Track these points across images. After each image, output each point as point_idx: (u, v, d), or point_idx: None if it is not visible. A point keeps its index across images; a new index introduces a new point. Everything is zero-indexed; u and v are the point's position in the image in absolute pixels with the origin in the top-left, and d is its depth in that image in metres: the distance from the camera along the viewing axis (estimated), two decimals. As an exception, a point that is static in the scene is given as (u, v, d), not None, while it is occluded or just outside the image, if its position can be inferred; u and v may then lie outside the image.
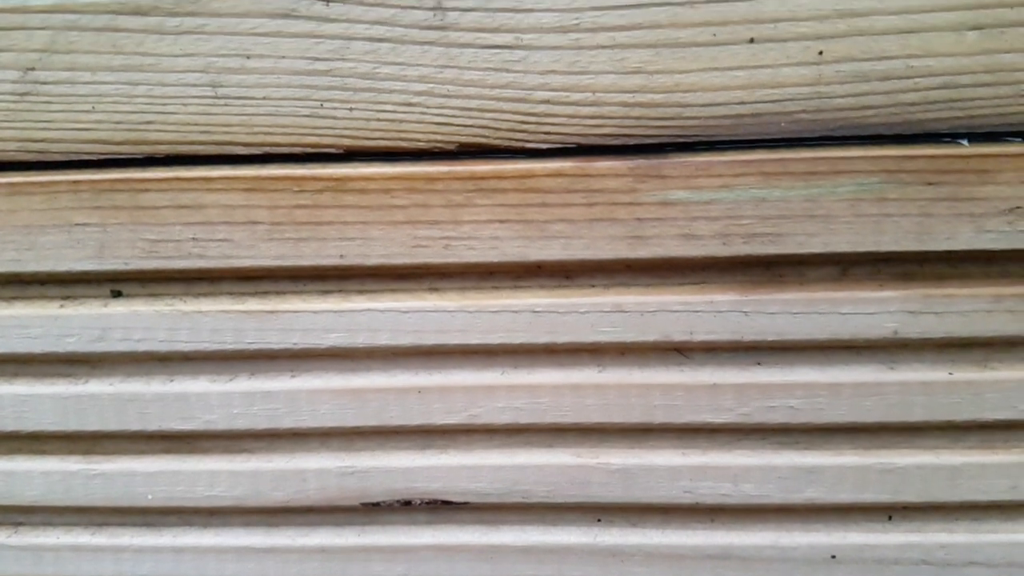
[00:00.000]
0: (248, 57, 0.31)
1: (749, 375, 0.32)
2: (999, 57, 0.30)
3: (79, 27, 0.32)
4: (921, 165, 0.30)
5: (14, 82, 0.32)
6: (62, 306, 0.33)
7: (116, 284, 0.34)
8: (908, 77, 0.30)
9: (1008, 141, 0.30)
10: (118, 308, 0.33)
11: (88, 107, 0.32)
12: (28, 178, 0.33)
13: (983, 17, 0.30)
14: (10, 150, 0.33)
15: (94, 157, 0.32)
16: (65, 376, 0.34)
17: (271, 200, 0.32)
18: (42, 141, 0.33)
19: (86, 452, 0.34)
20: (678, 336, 0.32)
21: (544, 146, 0.31)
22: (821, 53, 0.30)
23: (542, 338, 0.32)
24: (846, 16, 0.30)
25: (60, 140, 0.32)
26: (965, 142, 0.30)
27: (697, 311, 0.32)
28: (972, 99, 0.30)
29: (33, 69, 0.32)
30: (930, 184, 0.30)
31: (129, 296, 0.34)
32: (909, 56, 0.30)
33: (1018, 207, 0.30)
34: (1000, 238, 0.30)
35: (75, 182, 0.32)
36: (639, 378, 0.32)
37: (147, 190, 0.32)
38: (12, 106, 0.32)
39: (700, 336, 0.32)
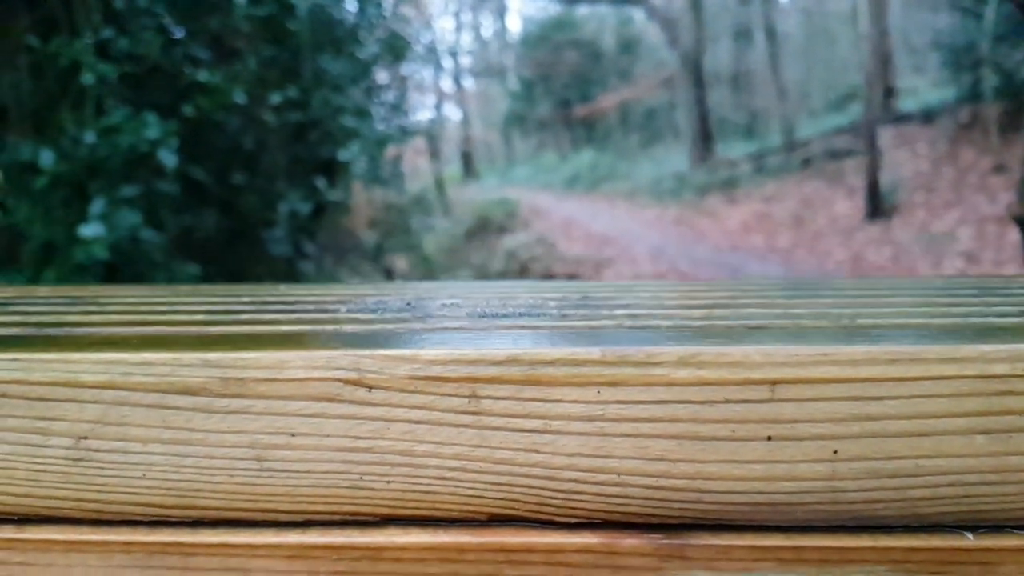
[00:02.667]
0: (293, 435, 0.33)
1: None
2: (1006, 459, 0.31)
3: (130, 403, 0.33)
4: (927, 556, 0.32)
5: (68, 448, 0.34)
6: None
7: (165, 628, 0.35)
8: (918, 475, 0.32)
9: (1011, 533, 0.32)
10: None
11: (139, 474, 0.34)
12: (83, 536, 0.34)
13: (991, 423, 0.31)
14: (66, 508, 0.35)
15: (145, 519, 0.34)
16: None
17: (311, 567, 0.34)
18: (96, 502, 0.34)
19: None
20: None
21: (571, 520, 0.33)
22: (836, 452, 0.32)
23: None
24: (861, 420, 0.32)
25: (113, 502, 0.34)
26: (970, 535, 0.32)
27: (715, 677, 0.34)
28: (978, 496, 0.32)
29: (86, 438, 0.34)
30: (935, 574, 0.32)
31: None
32: (919, 456, 0.32)
33: (1020, 595, 0.32)
34: (1002, 622, 0.32)
35: (127, 543, 0.34)
36: None
37: (196, 554, 0.34)
38: (67, 469, 0.34)
39: None
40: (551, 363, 0.32)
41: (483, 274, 9.07)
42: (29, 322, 0.42)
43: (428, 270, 8.25)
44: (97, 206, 4.21)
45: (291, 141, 6.09)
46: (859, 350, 0.32)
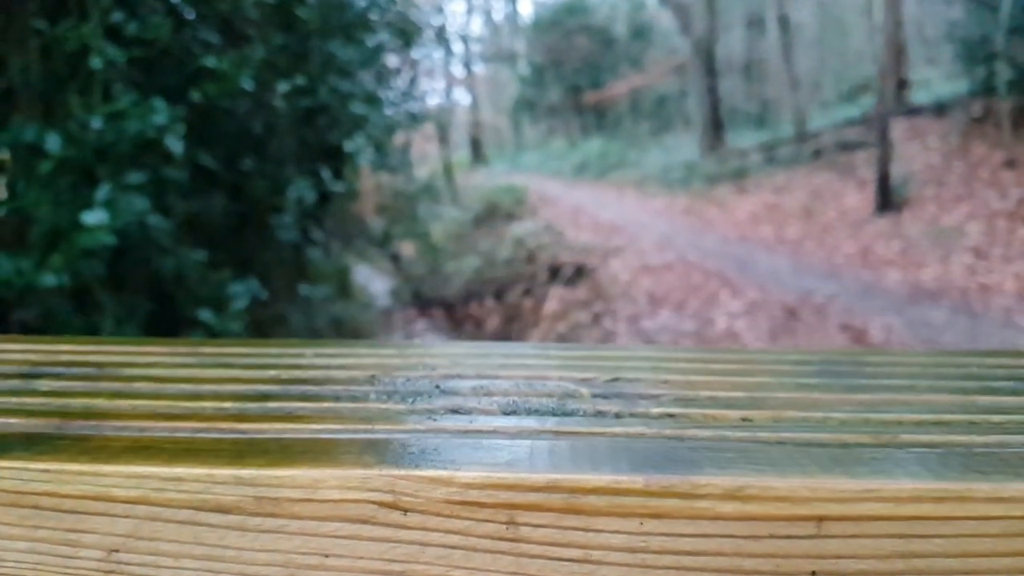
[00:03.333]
0: (327, 556, 0.33)
1: None
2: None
3: (162, 519, 0.33)
4: None
5: (99, 560, 0.34)
6: None
7: None
8: (963, 614, 0.31)
9: (1057, 675, 0.31)
10: None
11: (171, 588, 0.33)
12: (112, 647, 0.34)
13: (1039, 564, 0.31)
14: (96, 618, 0.34)
15: (176, 633, 0.34)
16: None
17: None
18: (126, 614, 0.34)
19: None
20: None
21: (609, 646, 0.33)
22: (880, 588, 0.31)
23: None
24: (906, 557, 0.31)
25: (143, 615, 0.34)
26: (1016, 676, 0.31)
27: None
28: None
29: (117, 551, 0.33)
30: None
31: None
32: (966, 595, 0.31)
33: None
34: None
35: (157, 657, 0.34)
36: None
37: (227, 671, 0.34)
38: (97, 582, 0.34)
39: None
40: (593, 491, 0.32)
41: (490, 261, 9.06)
42: (55, 408, 0.41)
43: (435, 259, 8.26)
44: (101, 192, 4.20)
45: (300, 125, 6.07)
46: (905, 487, 0.31)
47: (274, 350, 0.53)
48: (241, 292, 4.78)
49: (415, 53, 9.22)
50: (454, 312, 7.96)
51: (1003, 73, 9.64)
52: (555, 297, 7.46)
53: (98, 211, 4.15)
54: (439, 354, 0.54)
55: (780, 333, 6.22)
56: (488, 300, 8.00)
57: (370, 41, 6.94)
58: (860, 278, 7.36)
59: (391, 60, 7.93)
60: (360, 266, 7.75)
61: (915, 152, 9.95)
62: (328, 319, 6.28)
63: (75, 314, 4.33)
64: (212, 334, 4.62)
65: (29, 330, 4.18)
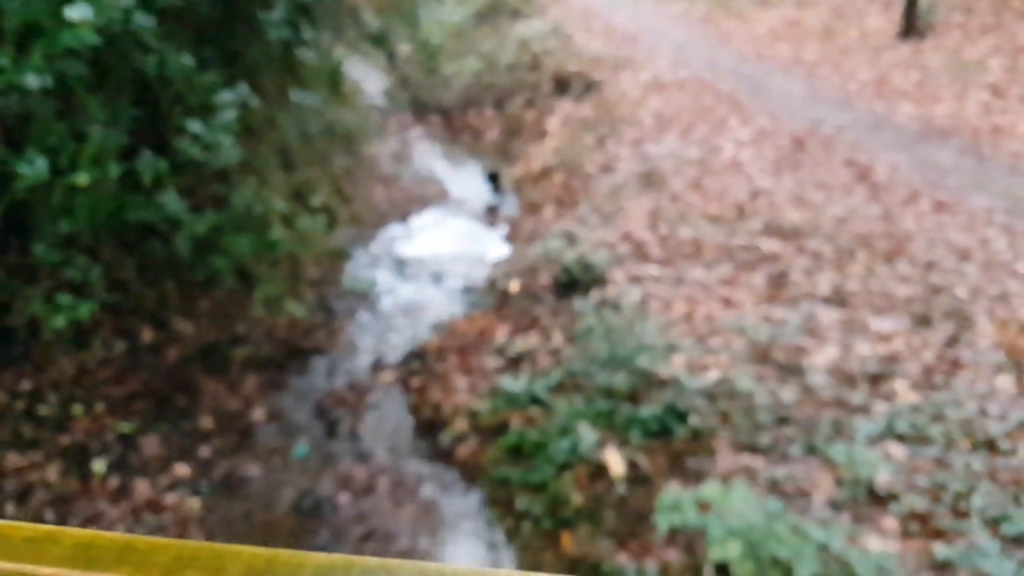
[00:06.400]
0: None
1: None
2: None
3: None
4: None
5: None
6: None
7: None
8: None
9: None
10: None
11: None
12: None
13: None
14: None
15: None
16: None
17: None
18: None
19: None
20: None
21: None
22: None
23: None
24: None
25: None
26: None
27: None
28: None
29: None
30: None
31: None
32: None
33: None
34: None
35: None
36: None
37: None
38: None
39: None
40: None
41: (491, 64, 8.61)
42: None
43: (433, 61, 7.82)
44: (83, -16, 3.85)
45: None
46: None
47: None
48: (230, 101, 4.52)
49: None
50: (452, 120, 7.65)
51: None
52: (559, 112, 7.15)
53: (81, 6, 3.82)
54: None
55: (784, 166, 6.08)
56: (488, 109, 7.67)
57: None
58: (872, 109, 7.11)
59: None
60: (353, 60, 7.34)
61: (950, -29, 9.31)
62: (321, 126, 6.02)
63: (58, 118, 4.10)
64: (203, 145, 4.44)
65: (8, 129, 3.94)
